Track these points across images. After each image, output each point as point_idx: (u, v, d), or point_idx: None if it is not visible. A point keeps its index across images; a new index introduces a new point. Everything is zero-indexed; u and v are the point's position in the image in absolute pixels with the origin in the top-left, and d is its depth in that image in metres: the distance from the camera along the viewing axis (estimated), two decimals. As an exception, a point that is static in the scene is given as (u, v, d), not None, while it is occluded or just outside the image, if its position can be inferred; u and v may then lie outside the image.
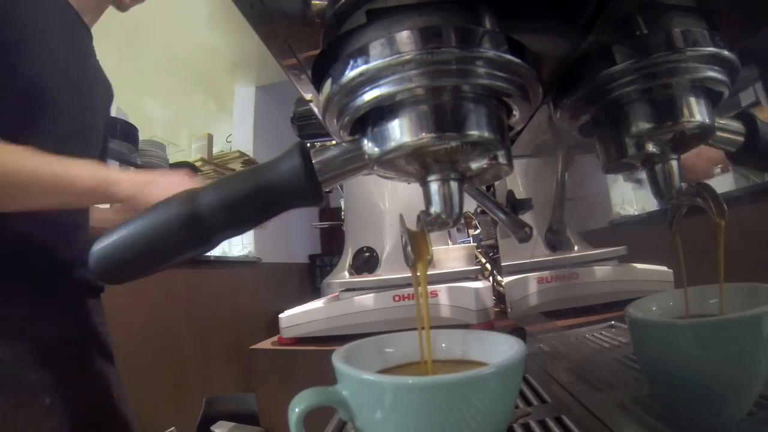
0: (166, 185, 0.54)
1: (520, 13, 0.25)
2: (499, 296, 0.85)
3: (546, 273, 0.69)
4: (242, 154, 2.53)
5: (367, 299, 0.71)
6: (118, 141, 1.76)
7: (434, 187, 0.27)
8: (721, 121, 0.29)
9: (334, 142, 0.29)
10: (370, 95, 0.24)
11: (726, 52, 0.25)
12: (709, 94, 0.27)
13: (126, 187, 0.53)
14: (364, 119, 0.26)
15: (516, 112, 0.27)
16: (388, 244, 0.85)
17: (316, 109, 0.43)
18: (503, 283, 0.78)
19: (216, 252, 2.27)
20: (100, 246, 0.26)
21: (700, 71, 0.25)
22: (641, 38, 0.26)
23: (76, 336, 0.61)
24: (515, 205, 0.58)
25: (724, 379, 0.27)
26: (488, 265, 1.05)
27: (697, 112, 0.26)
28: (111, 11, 0.69)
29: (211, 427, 1.68)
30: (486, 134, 0.24)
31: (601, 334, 0.52)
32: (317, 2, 0.26)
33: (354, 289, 0.75)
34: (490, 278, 1.01)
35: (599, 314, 0.57)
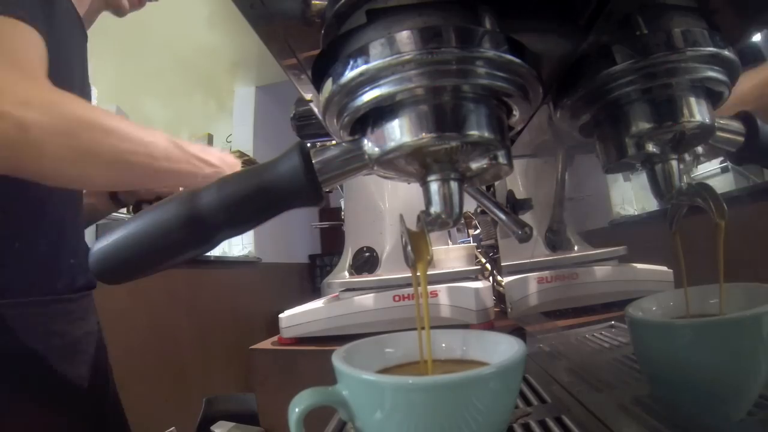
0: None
1: (520, 13, 0.25)
2: (499, 296, 0.85)
3: (546, 273, 0.69)
4: (242, 154, 2.53)
5: (367, 299, 0.71)
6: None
7: (434, 187, 0.27)
8: (721, 121, 0.29)
9: (334, 142, 0.29)
10: (370, 95, 0.24)
11: (726, 52, 0.25)
12: (709, 94, 0.27)
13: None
14: (364, 119, 0.26)
15: (516, 112, 0.27)
16: (388, 244, 0.85)
17: (316, 109, 0.44)
18: (503, 283, 0.78)
19: (216, 252, 2.27)
20: (99, 246, 0.26)
21: (700, 71, 0.25)
22: (641, 38, 0.26)
23: (90, 330, 0.62)
24: (515, 205, 0.58)
25: (724, 379, 0.27)
26: (488, 265, 1.05)
27: (697, 112, 0.26)
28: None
29: (211, 427, 1.68)
30: (486, 134, 0.24)
31: (601, 334, 0.52)
32: (317, 2, 0.26)
33: (354, 289, 0.74)
34: (490, 278, 1.01)
35: (599, 314, 0.57)
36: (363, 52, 0.23)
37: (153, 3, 0.70)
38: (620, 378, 0.40)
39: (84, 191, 0.66)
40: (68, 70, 0.57)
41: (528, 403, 0.40)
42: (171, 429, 1.72)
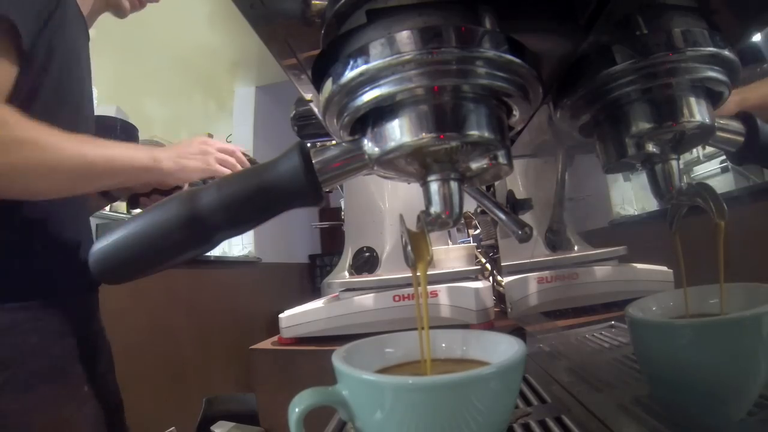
0: (194, 155, 0.60)
1: (520, 13, 0.25)
2: (499, 296, 0.85)
3: (546, 273, 0.69)
4: (242, 154, 2.52)
5: (367, 299, 0.71)
6: (118, 140, 1.75)
7: (434, 187, 0.27)
8: (721, 121, 0.29)
9: (334, 142, 0.29)
10: (370, 95, 0.24)
11: (726, 52, 0.25)
12: (709, 94, 0.27)
13: (166, 164, 0.58)
14: (364, 119, 0.26)
15: (516, 112, 0.27)
16: (388, 244, 0.85)
17: (316, 109, 0.43)
18: (503, 283, 0.78)
19: (216, 252, 2.27)
20: (99, 246, 0.26)
21: (700, 71, 0.25)
22: (641, 38, 0.26)
23: (98, 328, 0.64)
24: (515, 205, 0.58)
25: (724, 379, 0.27)
26: (488, 265, 1.05)
27: (697, 112, 0.26)
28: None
29: (211, 427, 1.68)
30: (486, 134, 0.24)
31: (601, 334, 0.52)
32: (317, 2, 0.26)
33: (354, 289, 0.74)
34: (490, 278, 1.01)
35: (599, 314, 0.57)
36: (363, 52, 0.23)
37: (153, 3, 0.70)
38: (620, 378, 0.40)
39: None
40: (79, 70, 0.58)
41: (528, 403, 0.40)
42: (171, 429, 1.72)
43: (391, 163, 0.26)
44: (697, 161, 0.46)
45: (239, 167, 0.67)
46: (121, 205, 2.14)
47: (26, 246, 0.53)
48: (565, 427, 0.35)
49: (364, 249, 0.85)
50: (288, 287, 3.13)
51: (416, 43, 0.22)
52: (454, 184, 0.27)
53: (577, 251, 0.70)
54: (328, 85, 0.25)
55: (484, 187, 0.53)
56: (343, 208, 1.03)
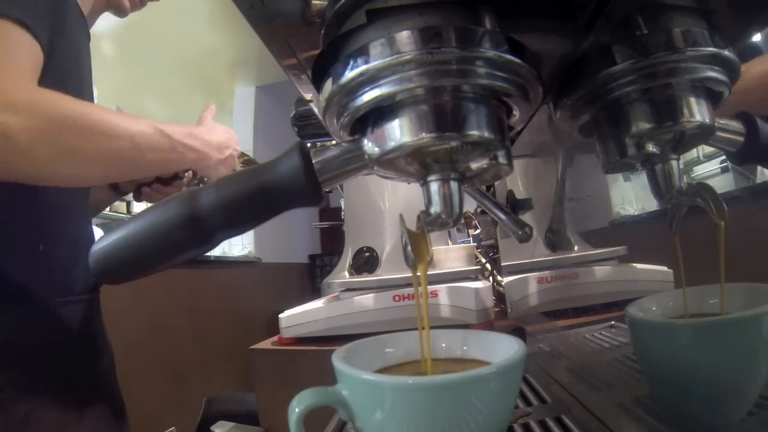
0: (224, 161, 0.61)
1: (520, 13, 0.25)
2: (499, 296, 0.85)
3: (546, 273, 0.69)
4: (242, 154, 2.52)
5: (367, 299, 0.71)
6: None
7: (434, 187, 0.27)
8: (721, 121, 0.29)
9: (334, 142, 0.29)
10: (370, 95, 0.24)
11: (726, 52, 0.25)
12: (709, 94, 0.27)
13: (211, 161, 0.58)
14: (364, 119, 0.26)
15: (516, 112, 0.27)
16: (388, 244, 0.85)
17: (316, 109, 0.44)
18: (503, 283, 0.78)
19: (216, 252, 2.27)
20: (99, 246, 0.26)
21: (700, 71, 0.25)
22: (641, 38, 0.26)
23: (101, 328, 0.64)
24: (515, 205, 0.58)
25: (724, 379, 0.27)
26: (488, 265, 1.05)
27: (697, 112, 0.26)
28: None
29: (211, 427, 1.68)
30: (486, 134, 0.24)
31: (601, 334, 0.52)
32: (317, 2, 0.26)
33: (354, 289, 0.74)
34: (490, 278, 1.01)
35: (599, 314, 0.57)
36: (363, 52, 0.23)
37: (154, 3, 0.70)
38: (620, 378, 0.40)
39: None
40: (79, 71, 0.58)
41: (528, 403, 0.40)
42: (171, 429, 1.72)
43: (391, 163, 0.26)
44: (697, 161, 0.46)
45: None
46: (122, 205, 2.15)
47: (28, 246, 0.53)
48: (565, 427, 0.35)
49: (364, 249, 0.85)
50: (288, 287, 3.13)
51: (416, 43, 0.22)
52: (454, 184, 0.27)
53: (577, 251, 0.70)
54: (328, 85, 0.25)
55: (484, 187, 0.53)
56: (343, 208, 1.03)
